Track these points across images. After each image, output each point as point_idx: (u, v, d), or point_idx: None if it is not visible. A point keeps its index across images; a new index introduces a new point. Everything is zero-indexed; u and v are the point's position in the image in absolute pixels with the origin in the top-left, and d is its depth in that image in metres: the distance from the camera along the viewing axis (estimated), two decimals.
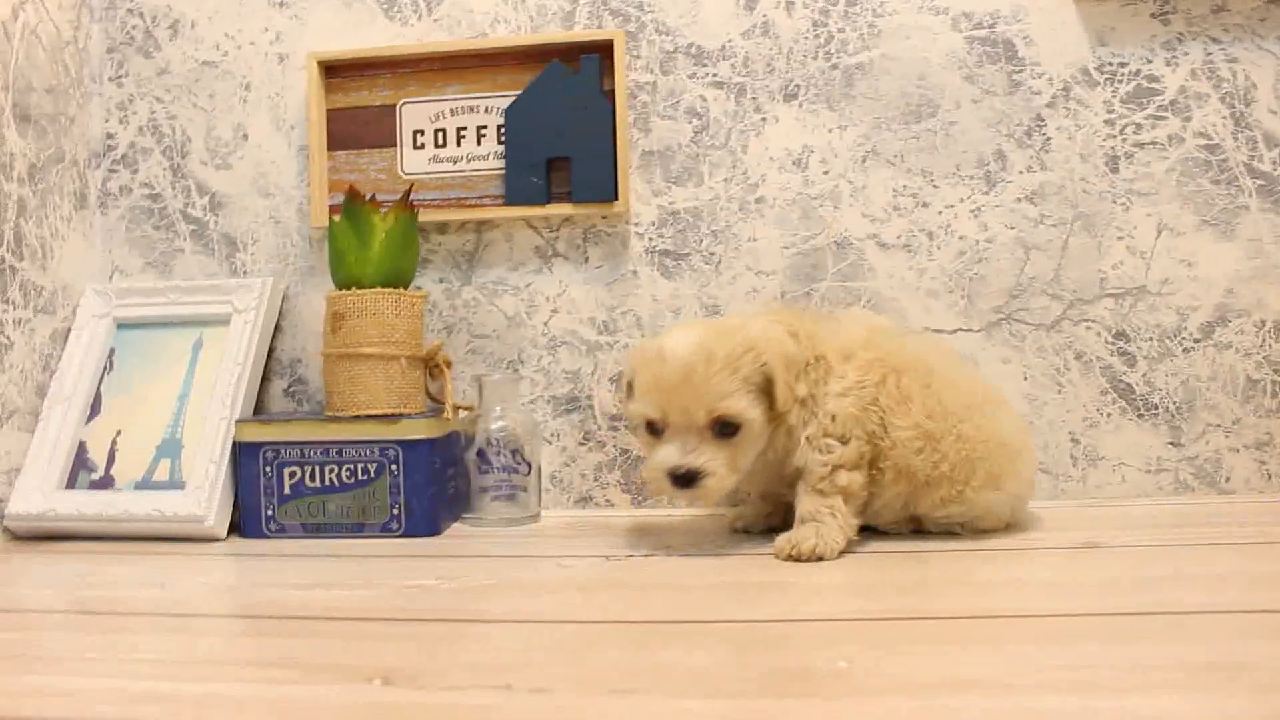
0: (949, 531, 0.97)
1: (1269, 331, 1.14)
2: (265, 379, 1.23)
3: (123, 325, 1.21)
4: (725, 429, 0.89)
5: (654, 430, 0.91)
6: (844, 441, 0.93)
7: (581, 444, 1.20)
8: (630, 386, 0.94)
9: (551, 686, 0.60)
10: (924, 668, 0.61)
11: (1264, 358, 1.14)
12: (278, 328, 1.23)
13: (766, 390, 0.90)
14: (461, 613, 0.78)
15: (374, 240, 1.11)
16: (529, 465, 1.13)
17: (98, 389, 1.18)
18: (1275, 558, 0.87)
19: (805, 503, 0.93)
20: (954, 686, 0.58)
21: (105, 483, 1.13)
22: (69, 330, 1.20)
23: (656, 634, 0.71)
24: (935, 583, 0.82)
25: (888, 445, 0.93)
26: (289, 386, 1.24)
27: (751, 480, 0.98)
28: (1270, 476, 1.14)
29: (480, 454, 1.12)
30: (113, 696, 0.60)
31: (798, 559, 0.89)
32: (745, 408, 0.89)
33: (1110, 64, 1.15)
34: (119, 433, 1.15)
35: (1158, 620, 0.70)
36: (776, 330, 0.93)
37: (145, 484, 1.12)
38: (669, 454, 0.89)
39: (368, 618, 0.77)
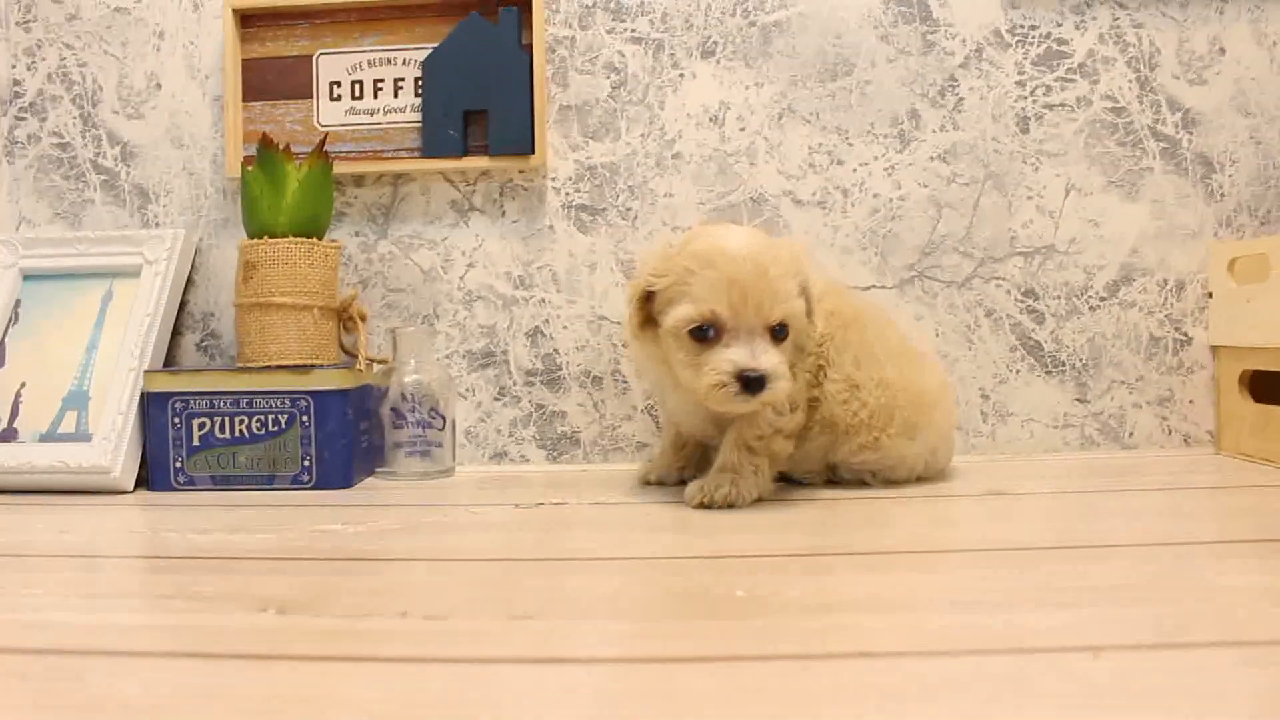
0: (861, 480, 0.98)
1: (1171, 291, 1.17)
2: (177, 333, 1.21)
3: (29, 276, 1.19)
4: (780, 332, 0.85)
5: (703, 334, 0.84)
6: (793, 408, 0.92)
7: (497, 399, 1.20)
8: (649, 300, 0.88)
9: (449, 613, 0.60)
10: (820, 594, 0.62)
11: (1166, 316, 1.17)
12: (190, 280, 1.22)
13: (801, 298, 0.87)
14: (364, 553, 0.77)
15: (287, 189, 1.10)
16: (444, 420, 1.12)
17: (2, 340, 1.15)
18: (1174, 503, 0.90)
19: (730, 454, 0.91)
20: (848, 607, 0.59)
21: (8, 435, 1.11)
22: None
23: (562, 568, 0.71)
24: (840, 524, 0.83)
25: (818, 396, 0.94)
26: (201, 340, 1.23)
27: (691, 416, 0.96)
28: (1171, 432, 1.17)
29: (394, 409, 1.12)
30: (5, 627, 0.59)
31: (709, 506, 0.89)
32: (802, 311, 0.86)
33: (1022, 26, 1.17)
34: (23, 385, 1.13)
35: (1053, 553, 0.72)
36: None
37: (51, 436, 1.10)
38: (739, 355, 0.82)
39: (269, 557, 0.76)
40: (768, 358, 0.82)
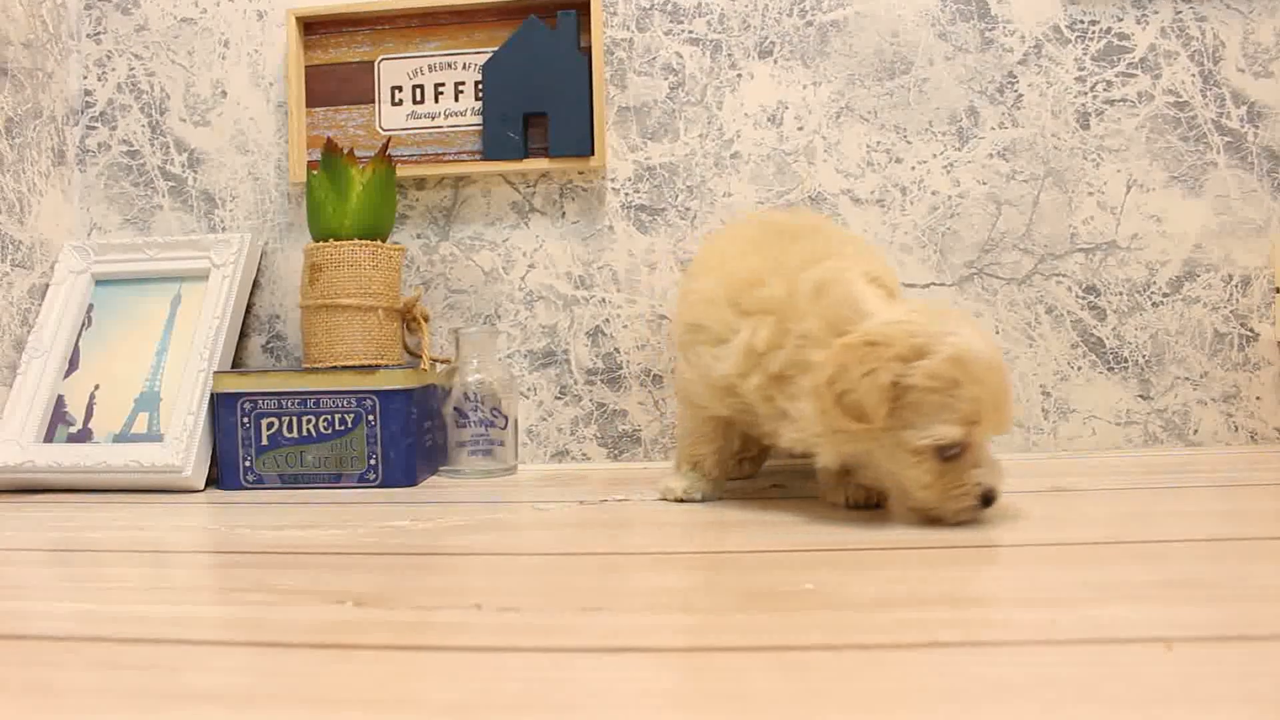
0: None
1: (1235, 286, 1.16)
2: (244, 335, 1.24)
3: (101, 281, 1.22)
4: None
5: (953, 453, 0.77)
6: None
7: (558, 398, 1.21)
8: (912, 383, 0.76)
9: (520, 606, 0.61)
10: (889, 589, 0.62)
11: (1231, 312, 1.16)
12: (256, 284, 1.24)
13: None
14: (434, 548, 0.79)
15: (351, 192, 1.12)
16: (506, 419, 1.14)
17: (76, 344, 1.18)
18: (1237, 499, 0.89)
19: None
20: (915, 603, 0.59)
21: (83, 435, 1.13)
22: (47, 286, 1.20)
23: (628, 562, 0.72)
24: (899, 521, 0.83)
25: None
26: (267, 342, 1.25)
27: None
28: (1237, 429, 1.16)
29: (457, 408, 1.13)
30: (82, 617, 0.61)
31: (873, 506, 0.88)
32: None
33: (1081, 22, 1.17)
34: (97, 386, 1.16)
35: (1116, 548, 0.71)
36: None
37: (124, 436, 1.13)
38: (987, 476, 0.78)
39: (341, 552, 0.78)
40: (998, 473, 0.79)
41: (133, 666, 0.52)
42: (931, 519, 0.79)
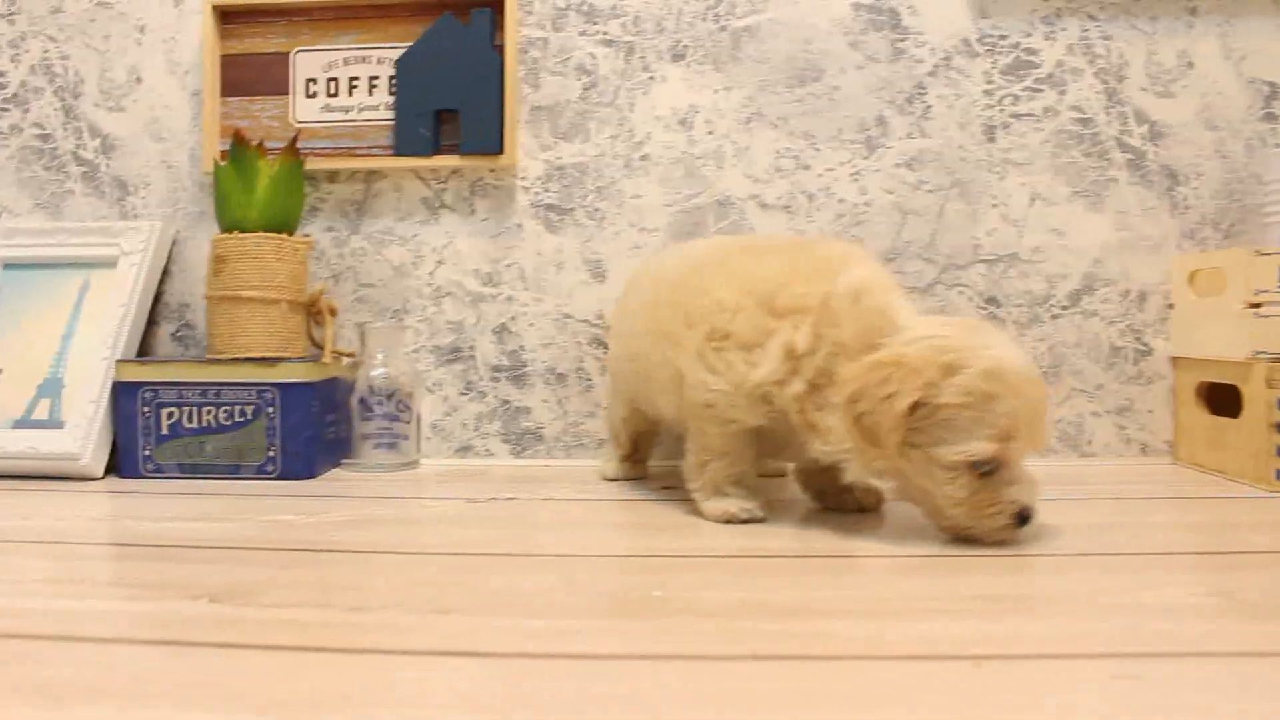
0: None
1: (1132, 301, 1.18)
2: (154, 323, 1.24)
3: (9, 265, 1.21)
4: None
5: (988, 469, 0.75)
6: None
7: (463, 394, 1.22)
8: (939, 402, 0.74)
9: (371, 605, 0.63)
10: (734, 596, 0.64)
11: (1127, 326, 1.18)
12: (167, 272, 1.24)
13: None
14: (311, 544, 0.80)
15: (258, 185, 1.12)
16: (410, 413, 1.14)
17: None
18: (1118, 512, 0.91)
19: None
20: (748, 611, 0.61)
21: None
22: None
23: (493, 563, 0.73)
24: (775, 528, 0.85)
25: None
26: (177, 330, 1.25)
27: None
28: (1129, 441, 1.18)
29: (363, 401, 1.14)
30: None
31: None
32: None
33: (991, 36, 1.18)
34: (0, 372, 1.15)
35: (971, 560, 0.73)
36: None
37: (24, 422, 1.13)
38: (1021, 494, 0.76)
39: (219, 546, 0.79)
40: (1035, 491, 0.77)
41: None
42: (966, 538, 0.78)
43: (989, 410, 0.73)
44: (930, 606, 0.62)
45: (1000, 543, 0.77)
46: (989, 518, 0.76)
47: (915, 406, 0.74)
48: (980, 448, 0.73)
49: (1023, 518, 0.76)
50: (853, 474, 0.81)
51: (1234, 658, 0.52)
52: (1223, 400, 1.09)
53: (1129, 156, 1.17)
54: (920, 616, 0.60)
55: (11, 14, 1.26)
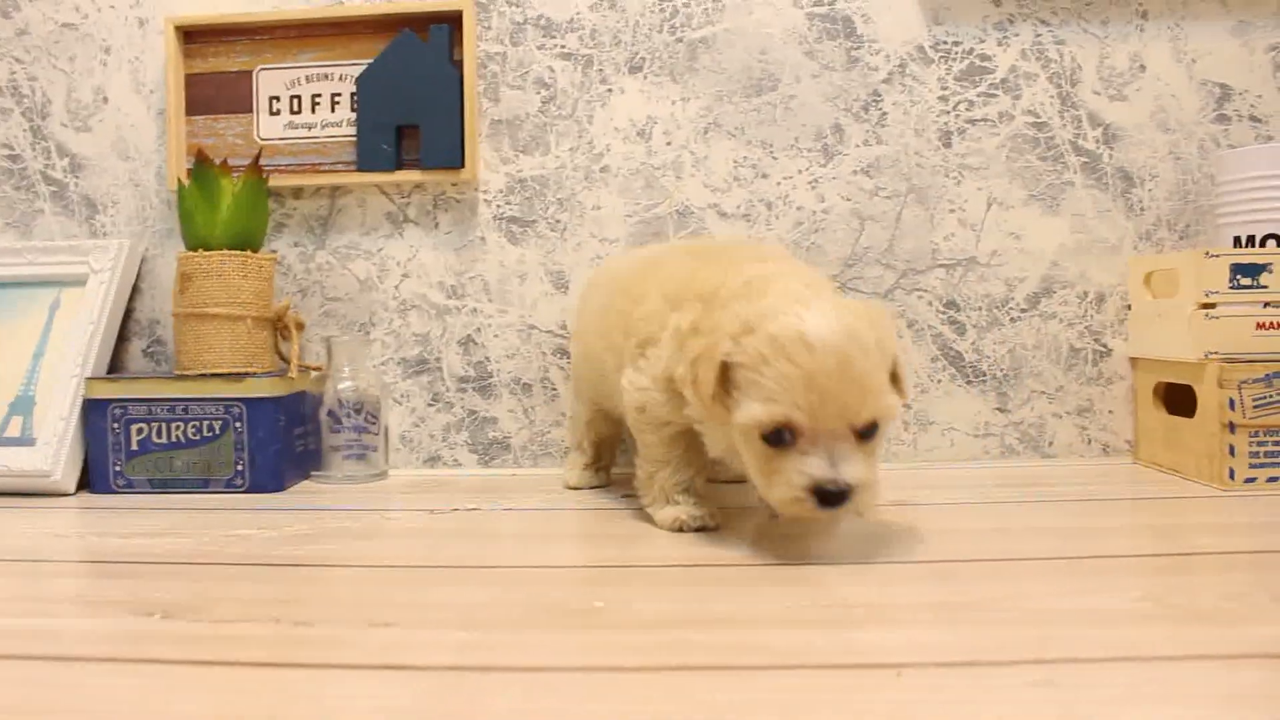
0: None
1: (1090, 303, 1.19)
2: (124, 339, 1.25)
3: None
4: (870, 431, 0.73)
5: (780, 438, 0.72)
6: None
7: (430, 405, 1.23)
8: (727, 373, 0.74)
9: (315, 619, 0.64)
10: (670, 607, 0.65)
11: (1086, 328, 1.19)
12: (137, 289, 1.25)
13: (894, 381, 0.76)
14: (266, 558, 0.81)
15: (222, 203, 1.13)
16: (379, 425, 1.16)
17: None
18: (1076, 514, 0.92)
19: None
20: (683, 622, 0.62)
21: None
22: None
23: (435, 576, 0.75)
24: (724, 536, 0.86)
25: None
26: (148, 347, 1.26)
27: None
28: (1090, 441, 1.19)
29: (331, 413, 1.15)
30: None
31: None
32: (895, 404, 0.74)
33: (945, 42, 1.19)
34: None
35: (913, 568, 0.74)
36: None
37: None
38: (817, 466, 0.71)
39: (177, 562, 0.80)
40: (850, 468, 0.71)
41: None
42: (776, 512, 0.78)
43: (767, 375, 0.71)
44: (864, 615, 0.63)
45: (800, 519, 0.76)
46: (778, 488, 0.73)
47: (724, 369, 0.74)
48: (758, 411, 0.71)
49: (821, 495, 0.71)
50: (711, 448, 0.82)
51: (1154, 662, 0.54)
52: (1181, 400, 1.10)
53: (1084, 160, 1.19)
54: (852, 625, 0.61)
55: None
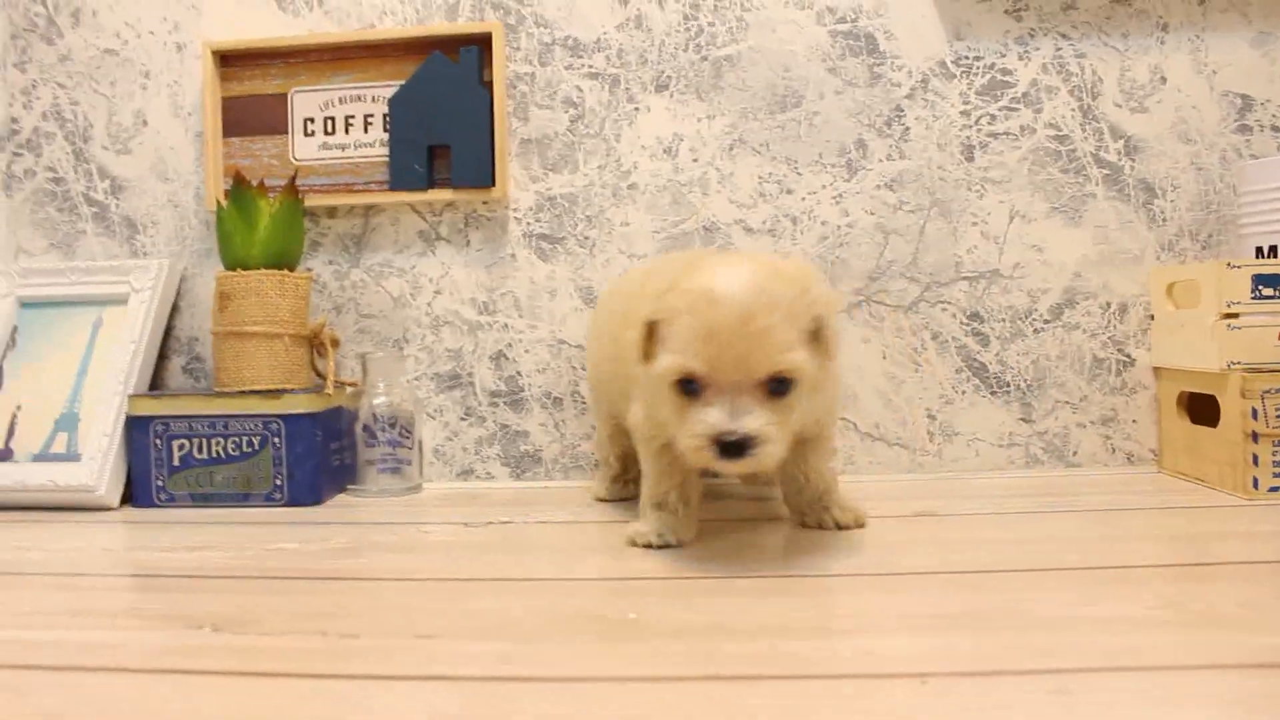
0: None
1: (1113, 313, 1.20)
2: (164, 356, 1.28)
3: (26, 304, 1.26)
4: (780, 387, 0.75)
5: (689, 388, 0.75)
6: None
7: (463, 419, 1.26)
8: (653, 331, 0.78)
9: (361, 632, 0.67)
10: (705, 618, 0.67)
11: (1109, 338, 1.20)
12: (176, 307, 1.28)
13: (815, 339, 0.78)
14: (308, 571, 0.84)
15: (259, 223, 1.16)
16: (412, 439, 1.18)
17: (0, 365, 1.23)
18: (1098, 524, 0.94)
19: (825, 480, 0.93)
20: (713, 632, 0.64)
21: (4, 455, 1.18)
22: None
23: (474, 588, 0.77)
24: (753, 548, 0.88)
25: None
26: (187, 364, 1.29)
27: None
28: (1114, 450, 1.20)
29: (366, 428, 1.18)
30: None
31: (842, 526, 0.92)
32: (805, 361, 0.75)
33: (966, 57, 1.21)
34: (19, 407, 1.20)
35: (941, 578, 0.76)
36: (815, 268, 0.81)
37: (43, 456, 1.17)
38: (717, 417, 0.74)
39: (222, 576, 0.83)
40: (750, 420, 0.73)
41: None
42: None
43: (676, 328, 0.75)
44: (893, 625, 0.65)
45: (707, 472, 0.80)
46: (684, 437, 0.76)
47: (651, 329, 0.78)
48: (665, 360, 0.75)
49: (722, 445, 0.73)
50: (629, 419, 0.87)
51: (1174, 671, 0.55)
52: (1205, 409, 1.12)
53: (1105, 172, 1.20)
54: (879, 634, 0.63)
55: (23, 63, 1.31)
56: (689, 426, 0.75)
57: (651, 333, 0.79)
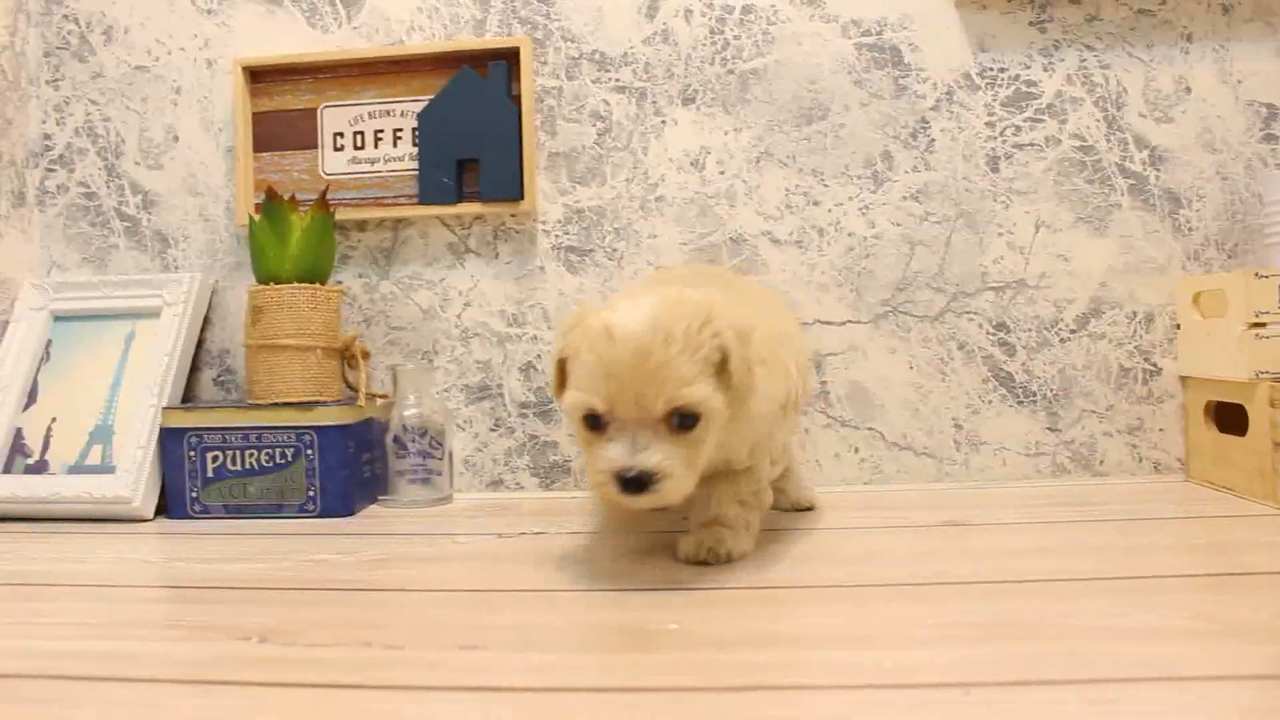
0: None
1: (1139, 323, 1.21)
2: (196, 369, 1.30)
3: (59, 318, 1.28)
4: (685, 421, 0.75)
5: (594, 424, 0.76)
6: (774, 462, 0.91)
7: (493, 430, 1.27)
8: (564, 369, 0.80)
9: (406, 643, 0.67)
10: (741, 629, 0.68)
11: (1135, 347, 1.21)
12: (207, 320, 1.30)
13: (723, 371, 0.77)
14: (347, 583, 0.84)
15: (291, 238, 1.17)
16: (443, 450, 1.19)
17: (35, 378, 1.24)
18: (1124, 533, 0.94)
19: (724, 507, 0.87)
20: (753, 642, 0.65)
21: (40, 467, 1.19)
22: (7, 323, 1.26)
23: (512, 599, 0.78)
24: (783, 558, 0.89)
25: None
26: (218, 376, 1.31)
27: None
28: (1141, 459, 1.21)
29: (397, 439, 1.19)
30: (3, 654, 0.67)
31: (707, 563, 0.85)
32: (708, 395, 0.75)
33: (991, 69, 1.22)
34: (54, 420, 1.22)
35: (966, 588, 0.77)
36: (724, 298, 0.81)
37: (78, 468, 1.19)
38: (617, 453, 0.74)
39: (262, 587, 0.84)
40: (648, 456, 0.74)
41: (26, 700, 0.58)
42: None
43: (577, 366, 0.77)
44: (927, 635, 0.65)
45: (613, 504, 0.78)
46: (590, 472, 0.78)
47: (560, 363, 0.80)
48: (569, 397, 0.77)
49: (623, 480, 0.74)
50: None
51: (1209, 681, 0.56)
52: (1233, 418, 1.12)
53: (1131, 182, 1.20)
54: (915, 645, 0.63)
55: (56, 80, 1.33)
56: (593, 462, 0.77)
57: (562, 368, 0.80)
